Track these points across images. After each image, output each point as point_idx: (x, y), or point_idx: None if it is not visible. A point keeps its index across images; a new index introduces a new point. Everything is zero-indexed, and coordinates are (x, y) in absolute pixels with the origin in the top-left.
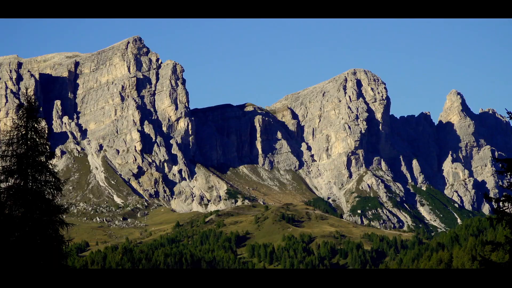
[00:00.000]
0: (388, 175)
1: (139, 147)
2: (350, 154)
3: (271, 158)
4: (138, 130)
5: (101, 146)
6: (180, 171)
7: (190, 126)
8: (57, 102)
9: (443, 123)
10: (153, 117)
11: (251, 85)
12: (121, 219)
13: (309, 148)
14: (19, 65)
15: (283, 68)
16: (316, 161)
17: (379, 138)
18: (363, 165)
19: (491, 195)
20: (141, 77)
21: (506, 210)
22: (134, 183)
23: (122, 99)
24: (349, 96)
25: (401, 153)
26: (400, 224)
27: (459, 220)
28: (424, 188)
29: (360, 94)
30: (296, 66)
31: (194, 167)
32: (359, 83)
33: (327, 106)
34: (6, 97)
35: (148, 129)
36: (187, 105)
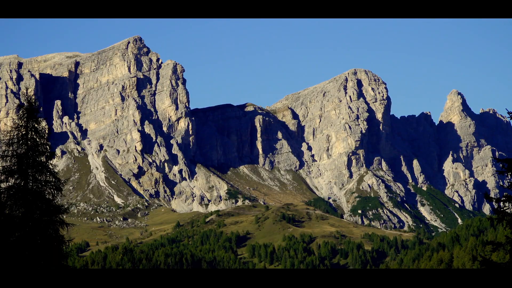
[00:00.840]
0: (388, 175)
1: (139, 147)
2: (350, 154)
3: (271, 158)
4: (138, 130)
5: (101, 146)
6: (180, 171)
7: (190, 126)
8: (58, 102)
9: (443, 123)
10: (153, 117)
11: (251, 85)
12: (121, 219)
13: (309, 148)
14: (19, 65)
15: (283, 68)
16: (316, 161)
17: (380, 138)
18: (364, 165)
19: (492, 195)
20: (142, 77)
21: (506, 210)
22: (134, 183)
23: (123, 99)
24: (350, 96)
25: (402, 153)
26: (401, 224)
27: (459, 220)
28: (424, 188)
29: (360, 94)
30: (296, 66)
31: (194, 167)
32: (359, 83)
33: (328, 106)
34: (6, 97)
35: (148, 129)
36: (187, 105)
